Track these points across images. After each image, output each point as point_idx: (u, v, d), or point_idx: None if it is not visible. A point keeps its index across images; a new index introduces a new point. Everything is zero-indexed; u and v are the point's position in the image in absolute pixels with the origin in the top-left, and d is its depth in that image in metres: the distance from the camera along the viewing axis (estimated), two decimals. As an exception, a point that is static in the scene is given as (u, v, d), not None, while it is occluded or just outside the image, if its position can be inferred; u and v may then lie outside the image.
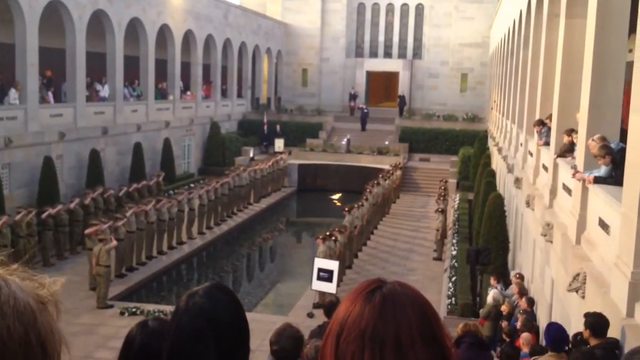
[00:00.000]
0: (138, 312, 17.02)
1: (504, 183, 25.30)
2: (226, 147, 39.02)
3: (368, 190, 27.49)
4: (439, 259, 23.86)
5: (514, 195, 20.78)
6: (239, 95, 45.64)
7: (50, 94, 26.87)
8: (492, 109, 40.19)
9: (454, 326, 9.21)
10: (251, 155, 40.19)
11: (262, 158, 38.54)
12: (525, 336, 10.80)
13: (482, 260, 17.49)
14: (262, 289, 23.26)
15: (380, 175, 31.34)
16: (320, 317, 14.10)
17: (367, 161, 39.02)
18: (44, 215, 20.62)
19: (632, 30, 10.14)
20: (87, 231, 19.34)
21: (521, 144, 20.78)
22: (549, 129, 14.77)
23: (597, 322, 7.34)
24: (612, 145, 9.40)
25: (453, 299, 17.63)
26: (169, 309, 15.52)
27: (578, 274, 9.12)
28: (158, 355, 2.21)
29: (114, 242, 18.58)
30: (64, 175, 25.77)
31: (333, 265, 18.19)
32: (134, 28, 31.40)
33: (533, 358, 8.95)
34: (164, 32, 34.23)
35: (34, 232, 20.11)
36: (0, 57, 25.87)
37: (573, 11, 13.14)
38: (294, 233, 33.27)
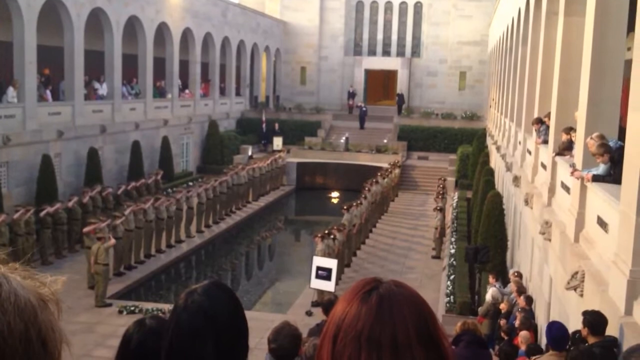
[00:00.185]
0: (137, 310, 17.01)
1: (502, 181, 25.32)
2: (225, 146, 39.01)
3: (367, 188, 27.49)
4: (437, 257, 23.87)
5: (512, 194, 20.79)
6: (238, 94, 45.62)
7: (48, 92, 26.84)
8: (490, 107, 40.21)
9: (453, 324, 9.20)
10: (250, 153, 40.18)
11: (260, 156, 38.53)
12: (523, 334, 10.82)
13: (480, 259, 17.51)
14: (260, 287, 23.27)
15: (379, 174, 31.34)
16: (318, 315, 14.13)
17: (365, 159, 39.03)
18: (42, 214, 20.61)
19: (631, 28, 10.12)
20: (85, 229, 19.32)
21: (520, 142, 20.79)
22: (548, 127, 14.77)
23: (595, 320, 7.34)
24: (611, 144, 9.40)
25: (452, 297, 17.64)
26: (167, 307, 15.51)
27: (576, 272, 9.13)
28: (155, 353, 2.21)
29: (113, 241, 18.57)
30: (63, 174, 25.75)
31: (332, 263, 18.18)
32: (132, 26, 31.37)
33: (534, 358, 8.95)
34: (162, 31, 34.20)
35: (33, 231, 20.09)
36: (-2, 56, 25.86)
37: (571, 9, 13.14)
38: (293, 231, 33.27)
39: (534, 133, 16.27)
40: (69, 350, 1.22)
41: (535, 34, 18.15)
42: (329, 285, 17.71)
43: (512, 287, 14.20)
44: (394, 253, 24.96)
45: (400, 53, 52.47)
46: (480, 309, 15.03)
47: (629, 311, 7.30)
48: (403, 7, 52.34)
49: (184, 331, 1.99)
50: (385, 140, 42.02)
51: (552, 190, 13.49)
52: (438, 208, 25.52)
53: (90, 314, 16.99)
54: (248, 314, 2.16)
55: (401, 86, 50.70)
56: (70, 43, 26.49)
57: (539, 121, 15.54)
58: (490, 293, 14.74)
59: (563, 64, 13.33)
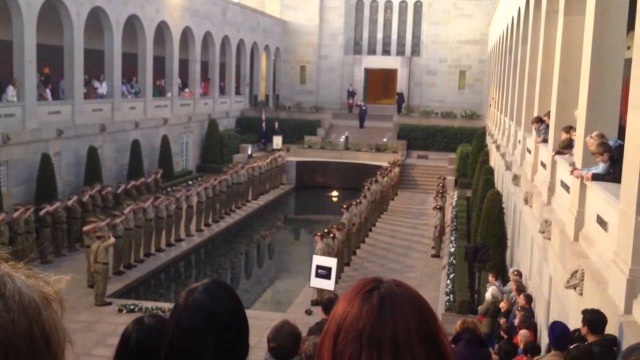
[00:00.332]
0: (136, 309, 17.02)
1: (502, 180, 25.32)
2: (224, 145, 39.02)
3: (366, 187, 27.50)
4: (437, 256, 23.88)
5: (512, 193, 20.80)
6: (237, 93, 45.62)
7: (48, 91, 26.82)
8: (490, 106, 40.20)
9: (452, 323, 9.22)
10: (249, 152, 40.18)
11: (260, 155, 38.54)
12: (523, 333, 10.82)
13: (480, 258, 17.51)
14: (260, 286, 23.27)
15: (379, 173, 31.34)
16: (318, 314, 14.12)
17: (365, 158, 39.02)
18: (41, 213, 20.61)
19: (631, 27, 10.13)
20: (85, 228, 19.33)
21: (519, 141, 20.79)
22: (547, 126, 14.78)
23: (595, 319, 7.35)
24: (610, 143, 9.40)
25: (451, 295, 17.65)
26: (167, 306, 15.52)
27: (576, 271, 9.14)
28: (154, 351, 2.21)
29: (112, 240, 18.57)
30: (62, 173, 25.75)
31: (331, 262, 18.19)
32: (132, 25, 31.36)
33: (536, 358, 8.96)
34: (162, 29, 34.20)
35: (32, 230, 20.10)
36: (-3, 54, 25.85)
37: (571, 8, 13.14)
38: (292, 230, 33.27)
39: (534, 132, 16.27)
40: (72, 349, 1.23)
41: (535, 33, 18.15)
42: (328, 284, 17.71)
43: (511, 285, 14.21)
44: (393, 252, 24.97)
45: (400, 52, 52.46)
46: (480, 308, 15.04)
47: (628, 310, 7.31)
48: (403, 6, 52.33)
49: (184, 329, 2.00)
50: (384, 139, 42.02)
51: (551, 189, 13.49)
52: (437, 207, 25.52)
53: (90, 312, 17.00)
54: (247, 312, 2.16)
55: (401, 85, 50.70)
56: (70, 42, 26.48)
57: (539, 120, 15.55)
58: (489, 292, 14.76)
59: (563, 62, 13.33)
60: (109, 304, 17.56)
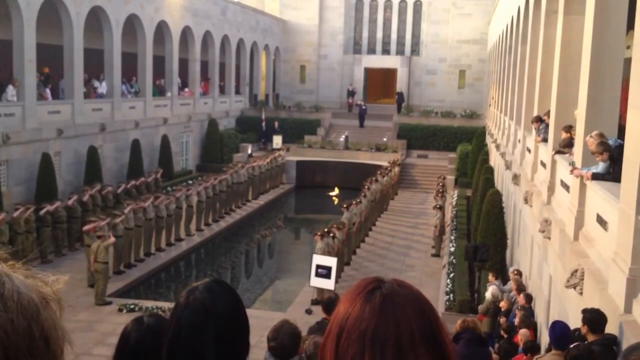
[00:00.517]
0: (136, 308, 17.02)
1: (502, 180, 25.33)
2: (224, 144, 39.01)
3: (366, 186, 27.49)
4: (437, 255, 23.88)
5: (512, 192, 20.80)
6: (237, 92, 45.61)
7: (47, 91, 26.82)
8: (490, 105, 40.20)
9: (453, 322, 9.22)
10: (249, 152, 40.17)
11: (260, 155, 38.52)
12: (523, 332, 10.83)
13: (480, 257, 17.52)
14: (260, 285, 23.28)
15: (379, 172, 31.34)
16: (318, 313, 14.11)
17: (365, 158, 39.02)
18: (42, 212, 20.61)
19: (630, 26, 10.14)
20: (85, 228, 19.32)
21: (519, 141, 20.79)
22: (547, 125, 14.78)
23: (595, 318, 7.35)
24: (610, 142, 9.41)
25: (451, 295, 17.66)
26: (167, 305, 15.52)
27: (576, 270, 9.14)
28: (153, 351, 2.21)
29: (112, 239, 18.58)
30: (62, 172, 25.75)
31: (331, 261, 18.19)
32: (132, 25, 31.35)
33: (536, 357, 8.97)
34: (161, 29, 34.19)
35: (32, 229, 20.09)
36: (-3, 54, 25.84)
37: (571, 7, 13.14)
38: (292, 230, 33.26)
39: (534, 131, 16.28)
40: (71, 348, 1.23)
41: (535, 33, 18.15)
42: (328, 284, 17.72)
43: (511, 285, 14.22)
44: (393, 251, 24.97)
45: (400, 51, 52.46)
46: (480, 307, 15.04)
47: (628, 309, 7.31)
48: (403, 6, 52.32)
49: (185, 328, 2.00)
50: (384, 139, 42.00)
51: (551, 189, 13.49)
52: (437, 206, 25.52)
53: (90, 312, 17.00)
54: (248, 312, 2.16)
55: (401, 84, 50.69)
56: (69, 41, 26.47)
57: (539, 119, 15.55)
58: (490, 291, 14.76)
59: (562, 62, 13.33)
60: (109, 303, 17.57)
